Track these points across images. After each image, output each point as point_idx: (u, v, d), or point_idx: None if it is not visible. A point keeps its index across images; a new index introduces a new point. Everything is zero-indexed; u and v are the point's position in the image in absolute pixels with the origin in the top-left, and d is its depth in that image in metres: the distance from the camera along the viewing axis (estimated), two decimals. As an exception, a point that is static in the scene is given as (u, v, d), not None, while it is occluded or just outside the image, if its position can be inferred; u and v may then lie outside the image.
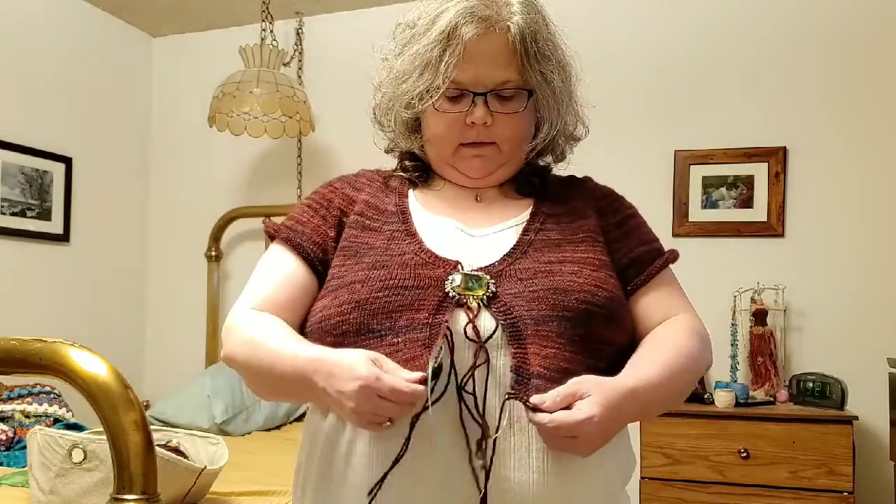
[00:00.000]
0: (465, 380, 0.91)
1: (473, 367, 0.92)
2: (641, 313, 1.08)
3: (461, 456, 0.90)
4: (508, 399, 0.91)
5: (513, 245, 1.04)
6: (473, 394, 0.91)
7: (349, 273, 1.00)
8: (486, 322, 0.94)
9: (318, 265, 1.07)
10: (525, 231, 1.07)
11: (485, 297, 0.96)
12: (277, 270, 1.08)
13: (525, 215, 1.10)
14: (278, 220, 1.17)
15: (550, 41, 1.08)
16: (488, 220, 1.09)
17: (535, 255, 1.02)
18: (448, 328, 0.92)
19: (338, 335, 0.96)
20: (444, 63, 1.01)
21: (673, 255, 1.14)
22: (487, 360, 0.92)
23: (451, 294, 0.96)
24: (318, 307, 1.02)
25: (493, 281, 0.98)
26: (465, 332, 0.93)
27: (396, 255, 1.00)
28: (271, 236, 1.13)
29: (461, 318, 0.94)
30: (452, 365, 0.91)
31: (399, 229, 1.05)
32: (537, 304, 0.96)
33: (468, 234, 1.06)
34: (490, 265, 1.01)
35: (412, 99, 1.06)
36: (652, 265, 1.10)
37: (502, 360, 0.93)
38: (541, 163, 1.19)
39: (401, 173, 1.16)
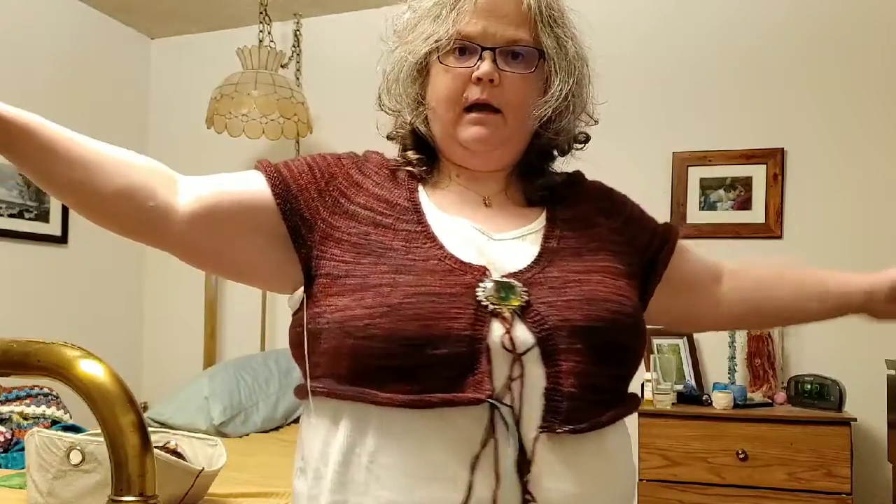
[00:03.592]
0: (502, 393, 0.89)
1: (510, 379, 0.89)
2: (687, 279, 1.16)
3: (498, 467, 0.88)
4: (542, 433, 0.89)
5: (538, 252, 1.01)
6: (511, 406, 0.88)
7: (371, 274, 0.93)
8: (521, 332, 0.91)
9: (295, 226, 0.99)
10: (546, 238, 1.04)
11: (519, 306, 0.93)
12: (247, 185, 1.00)
13: (541, 221, 1.07)
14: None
15: (565, 15, 1.06)
16: (504, 224, 1.05)
17: (562, 264, 1.00)
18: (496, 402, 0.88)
19: (363, 338, 0.90)
20: (454, 11, 1.00)
21: (677, 233, 1.19)
22: (523, 373, 0.90)
23: (483, 303, 0.92)
24: (336, 305, 0.93)
25: (524, 289, 0.95)
26: (503, 344, 0.90)
27: (420, 259, 0.95)
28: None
29: (496, 328, 0.91)
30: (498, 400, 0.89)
31: (416, 230, 0.99)
32: (571, 313, 0.93)
33: (488, 237, 1.02)
34: (519, 272, 0.97)
35: (418, 47, 1.03)
36: (665, 250, 1.15)
37: (537, 371, 0.91)
38: (548, 167, 1.15)
39: (408, 167, 1.09)
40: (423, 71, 1.05)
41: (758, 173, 2.91)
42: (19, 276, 3.15)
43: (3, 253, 3.09)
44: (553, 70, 1.04)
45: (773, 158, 2.90)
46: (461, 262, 0.95)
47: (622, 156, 2.99)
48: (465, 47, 1.00)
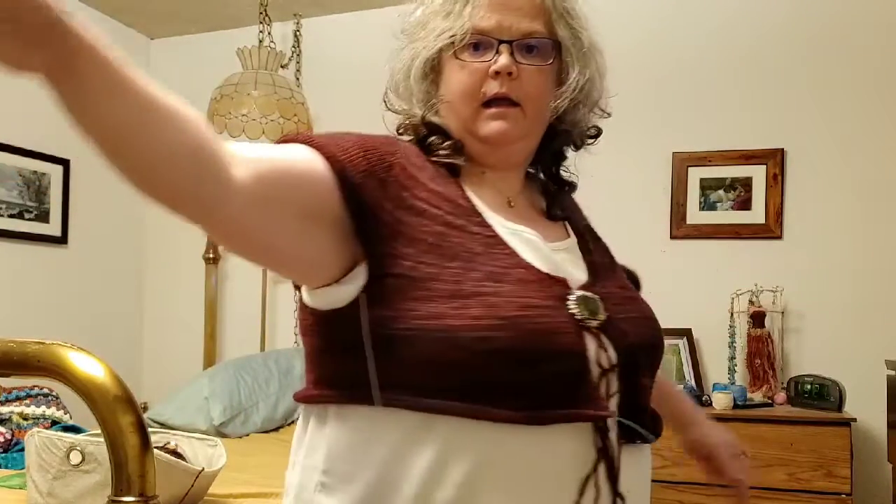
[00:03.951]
0: (604, 411, 0.90)
1: (608, 395, 0.90)
2: None
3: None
4: (625, 444, 0.91)
5: (586, 266, 1.01)
6: (605, 421, 0.90)
7: (465, 281, 0.88)
8: (608, 348, 0.91)
9: (362, 217, 0.88)
10: (584, 252, 1.03)
11: (603, 321, 0.92)
12: (304, 162, 0.86)
13: (571, 233, 1.07)
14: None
15: (577, 6, 1.06)
16: (545, 232, 1.02)
17: (611, 279, 1.00)
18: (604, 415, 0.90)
19: (477, 351, 0.85)
20: (468, 6, 0.98)
21: None
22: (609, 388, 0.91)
23: (577, 316, 0.90)
24: (424, 312, 0.86)
25: (603, 303, 0.94)
26: (599, 360, 0.90)
27: (506, 267, 0.91)
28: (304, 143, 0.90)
29: (590, 343, 0.90)
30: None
31: (488, 234, 0.93)
32: (643, 331, 0.96)
33: (548, 246, 0.98)
34: (587, 285, 0.96)
35: (431, 43, 1.00)
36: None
37: (614, 387, 0.92)
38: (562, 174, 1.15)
39: (448, 159, 1.00)
40: (434, 68, 1.02)
41: (758, 174, 2.91)
42: (19, 276, 3.15)
43: (3, 253, 3.09)
44: (570, 61, 1.03)
45: (773, 159, 2.90)
46: (544, 272, 0.92)
47: (622, 156, 2.99)
48: (480, 42, 0.98)
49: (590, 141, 1.13)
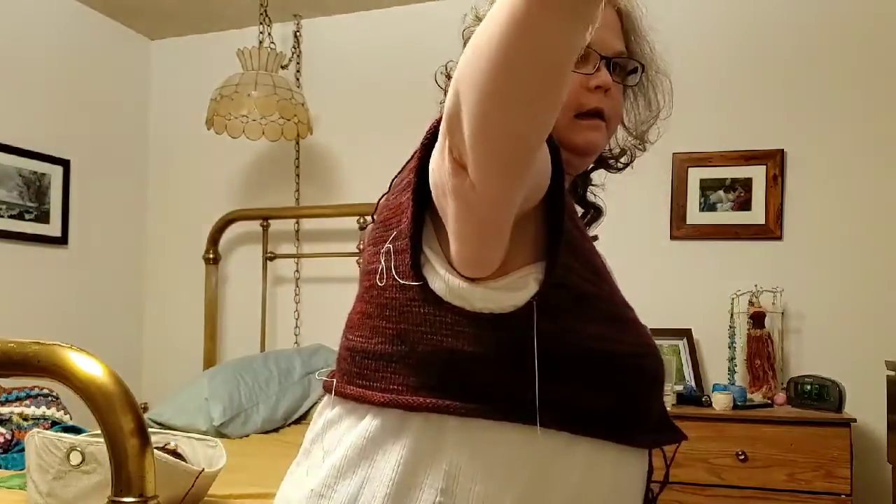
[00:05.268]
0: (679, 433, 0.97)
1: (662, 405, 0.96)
2: None
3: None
4: (669, 444, 0.96)
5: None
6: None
7: (617, 304, 0.88)
8: None
9: (555, 220, 0.83)
10: None
11: None
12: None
13: None
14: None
15: (649, 32, 1.07)
16: None
17: None
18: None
19: (633, 376, 0.86)
20: None
21: None
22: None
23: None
24: (593, 332, 0.83)
25: None
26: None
27: (620, 294, 0.93)
28: None
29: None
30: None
31: (594, 250, 0.93)
32: None
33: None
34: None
35: None
36: None
37: None
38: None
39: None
40: None
41: (758, 174, 2.91)
42: (19, 277, 3.15)
43: (3, 253, 3.09)
44: (651, 83, 1.06)
45: (773, 160, 2.90)
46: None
47: (622, 157, 2.98)
48: (583, 54, 0.96)
49: (620, 166, 1.17)
